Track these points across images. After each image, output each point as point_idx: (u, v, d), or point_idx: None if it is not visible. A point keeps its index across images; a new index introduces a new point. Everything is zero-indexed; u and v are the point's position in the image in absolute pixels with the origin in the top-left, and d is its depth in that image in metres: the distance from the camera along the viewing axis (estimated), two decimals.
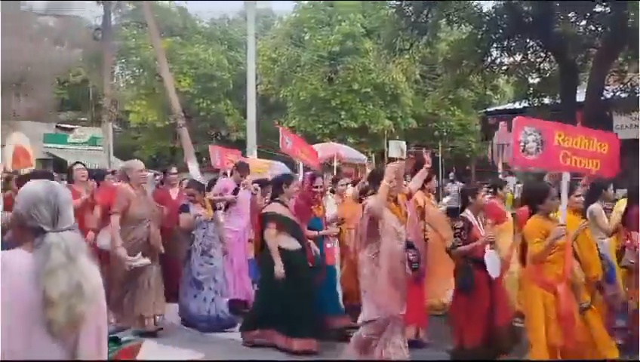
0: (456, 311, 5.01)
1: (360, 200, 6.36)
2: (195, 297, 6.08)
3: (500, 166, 16.20)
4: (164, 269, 6.10)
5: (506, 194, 8.10)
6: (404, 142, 22.16)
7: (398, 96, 25.28)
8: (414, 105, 26.46)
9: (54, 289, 1.77)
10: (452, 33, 18.45)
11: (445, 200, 14.76)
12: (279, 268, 5.30)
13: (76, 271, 1.83)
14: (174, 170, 8.09)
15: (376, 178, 4.89)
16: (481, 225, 4.99)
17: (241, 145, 23.73)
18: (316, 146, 17.19)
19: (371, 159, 22.53)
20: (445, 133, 27.29)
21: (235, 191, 7.13)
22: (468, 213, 4.99)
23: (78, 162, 7.47)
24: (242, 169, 7.28)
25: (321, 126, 25.11)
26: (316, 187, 5.88)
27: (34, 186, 1.98)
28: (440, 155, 23.56)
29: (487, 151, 29.62)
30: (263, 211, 5.77)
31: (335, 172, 14.62)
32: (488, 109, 23.30)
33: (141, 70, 30.87)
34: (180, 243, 6.35)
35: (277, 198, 5.71)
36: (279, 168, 12.48)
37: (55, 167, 21.68)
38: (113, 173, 9.17)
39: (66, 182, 7.42)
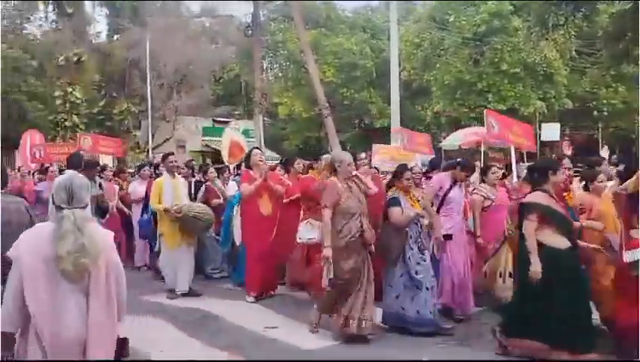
0: None
1: (586, 189, 5.63)
2: (412, 299, 5.43)
3: None
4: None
5: None
6: (558, 125, 20.79)
7: (551, 75, 23.69)
8: (570, 84, 24.63)
9: (62, 248, 2.61)
10: (613, 4, 16.86)
11: (610, 183, 13.57)
12: (536, 268, 4.54)
13: (81, 236, 2.66)
14: (363, 155, 7.37)
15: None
16: None
17: (384, 132, 23.78)
18: (462, 131, 16.87)
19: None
20: (606, 113, 25.09)
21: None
22: None
23: (255, 147, 7.56)
24: (468, 168, 6.36)
25: (466, 110, 24.33)
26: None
27: (60, 177, 2.98)
28: (600, 137, 21.75)
29: None
30: (524, 201, 4.95)
31: (482, 157, 14.14)
32: None
33: (288, 63, 32.07)
34: (390, 239, 5.58)
35: (540, 187, 4.85)
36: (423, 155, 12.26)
37: (213, 159, 23.33)
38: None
39: (243, 167, 7.66)
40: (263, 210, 6.62)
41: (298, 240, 5.95)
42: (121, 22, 29.35)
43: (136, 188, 8.84)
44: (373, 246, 5.38)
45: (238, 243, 7.10)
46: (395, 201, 5.57)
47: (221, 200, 8.06)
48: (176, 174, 7.18)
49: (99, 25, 31.78)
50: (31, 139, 13.21)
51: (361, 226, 5.25)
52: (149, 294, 7.13)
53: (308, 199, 6.35)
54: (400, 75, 22.38)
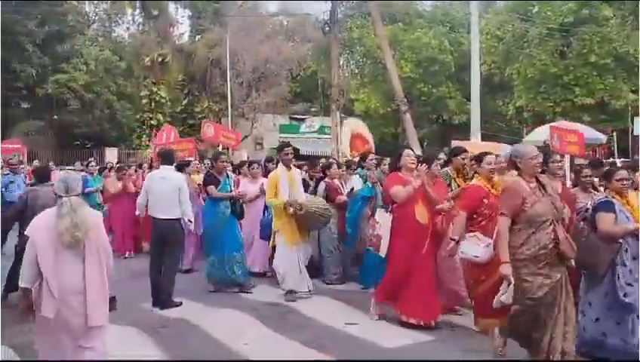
0: None
1: None
2: (618, 324, 4.38)
3: None
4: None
5: None
6: None
7: None
8: None
9: (62, 226, 3.63)
10: None
11: None
12: None
13: (75, 216, 3.66)
14: (558, 156, 6.08)
15: None
16: None
17: (463, 128, 23.22)
18: (545, 126, 16.15)
19: (612, 138, 20.30)
20: None
21: None
22: None
23: (406, 147, 7.03)
24: None
25: (551, 104, 23.33)
26: None
27: (59, 174, 4.69)
28: None
29: None
30: None
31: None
32: None
33: (365, 59, 31.95)
34: (596, 251, 4.45)
35: None
36: (507, 151, 11.82)
37: None
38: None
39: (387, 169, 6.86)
40: (420, 218, 5.65)
41: (461, 255, 5.14)
42: (203, 23, 30.23)
43: (248, 187, 8.11)
44: (572, 262, 4.32)
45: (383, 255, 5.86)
46: (606, 206, 4.48)
47: (344, 197, 7.40)
48: (292, 167, 6.83)
49: (182, 26, 32.99)
50: (166, 136, 13.03)
51: (555, 236, 4.19)
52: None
53: (473, 213, 5.29)
54: (480, 68, 21.78)
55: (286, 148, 6.80)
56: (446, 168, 6.47)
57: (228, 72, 25.82)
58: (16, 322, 5.17)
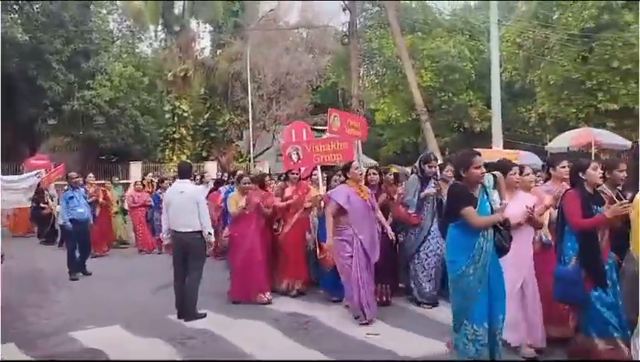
0: None
1: None
2: None
3: None
4: None
5: None
6: None
7: None
8: None
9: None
10: None
11: None
12: None
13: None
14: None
15: None
16: None
17: (484, 136, 23.09)
18: (570, 133, 16.03)
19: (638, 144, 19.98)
20: None
21: None
22: None
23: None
24: None
25: (574, 110, 23.07)
26: None
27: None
28: None
29: None
30: None
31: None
32: None
33: (384, 69, 32.01)
34: None
35: None
36: (528, 158, 11.79)
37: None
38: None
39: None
40: None
41: None
42: (224, 37, 30.62)
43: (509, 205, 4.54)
44: None
45: None
46: None
47: None
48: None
49: (203, 41, 33.39)
50: (296, 134, 9.81)
51: None
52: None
53: None
54: (501, 76, 21.68)
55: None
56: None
57: (249, 84, 26.05)
58: None
